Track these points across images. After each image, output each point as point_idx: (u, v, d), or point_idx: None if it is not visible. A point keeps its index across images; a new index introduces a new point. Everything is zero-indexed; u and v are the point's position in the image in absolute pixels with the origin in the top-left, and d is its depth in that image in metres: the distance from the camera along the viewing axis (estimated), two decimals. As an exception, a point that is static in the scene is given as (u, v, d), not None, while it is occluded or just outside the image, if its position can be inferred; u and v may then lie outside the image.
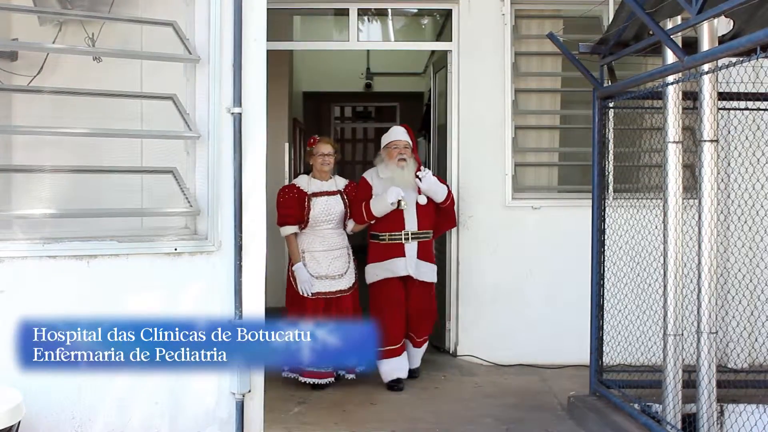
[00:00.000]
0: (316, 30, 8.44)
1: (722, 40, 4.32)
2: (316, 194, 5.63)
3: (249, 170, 4.25)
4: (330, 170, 5.76)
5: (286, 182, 8.31)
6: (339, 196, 5.70)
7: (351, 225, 5.74)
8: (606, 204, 5.21)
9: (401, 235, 5.66)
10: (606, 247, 5.18)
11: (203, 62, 4.20)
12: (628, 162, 6.22)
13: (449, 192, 5.85)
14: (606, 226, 5.18)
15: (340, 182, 5.81)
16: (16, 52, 4.53)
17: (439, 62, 7.21)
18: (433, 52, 8.06)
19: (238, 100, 4.20)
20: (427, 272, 5.78)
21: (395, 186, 5.60)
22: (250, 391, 4.22)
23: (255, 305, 4.25)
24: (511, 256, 6.41)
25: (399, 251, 5.66)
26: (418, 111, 12.36)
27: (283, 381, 5.57)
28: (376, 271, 5.74)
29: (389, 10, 7.67)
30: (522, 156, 6.59)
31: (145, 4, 4.50)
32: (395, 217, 5.65)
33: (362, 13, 6.92)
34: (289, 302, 5.71)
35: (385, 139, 5.83)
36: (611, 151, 5.40)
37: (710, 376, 4.28)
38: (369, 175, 5.83)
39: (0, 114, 4.36)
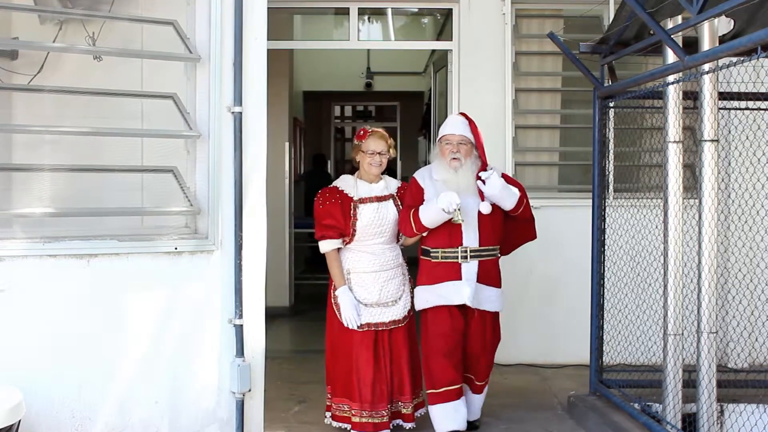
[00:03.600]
0: (317, 29, 8.45)
1: (723, 39, 4.32)
2: (363, 200, 4.56)
3: (249, 169, 4.25)
4: (380, 172, 4.66)
5: (286, 182, 8.26)
6: (391, 201, 4.62)
7: (402, 237, 4.68)
8: (606, 204, 5.21)
9: (457, 252, 4.48)
10: (606, 247, 5.18)
11: (204, 61, 4.20)
12: (629, 162, 6.22)
13: (521, 196, 4.57)
14: (606, 225, 5.19)
15: (392, 184, 4.72)
16: (16, 51, 4.52)
17: (439, 61, 7.21)
18: (433, 51, 8.07)
19: (238, 99, 4.20)
20: (491, 298, 4.59)
21: (449, 191, 4.42)
22: (250, 391, 4.23)
23: (255, 304, 4.26)
24: (511, 255, 6.36)
25: (454, 273, 4.48)
26: (418, 110, 12.38)
27: (283, 380, 5.55)
28: (426, 296, 4.55)
29: (389, 10, 7.66)
30: (522, 155, 6.58)
31: (146, 3, 4.50)
32: (450, 230, 4.47)
33: (362, 12, 6.91)
34: (330, 337, 4.61)
35: (440, 131, 4.68)
36: (611, 151, 5.40)
37: (710, 376, 4.29)
38: (420, 176, 4.66)
39: (0, 113, 4.36)
